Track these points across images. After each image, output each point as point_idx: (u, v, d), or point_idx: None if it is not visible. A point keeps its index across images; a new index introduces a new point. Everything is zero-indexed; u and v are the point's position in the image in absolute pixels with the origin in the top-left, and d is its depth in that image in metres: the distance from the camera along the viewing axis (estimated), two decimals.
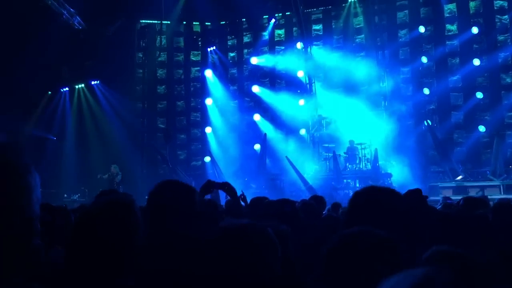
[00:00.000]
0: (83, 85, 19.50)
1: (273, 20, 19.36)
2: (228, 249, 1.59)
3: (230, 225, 1.68)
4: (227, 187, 3.60)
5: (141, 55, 20.33)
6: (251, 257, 1.59)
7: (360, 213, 2.02)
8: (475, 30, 16.39)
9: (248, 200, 4.94)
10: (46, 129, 18.44)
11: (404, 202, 2.17)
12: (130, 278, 1.71)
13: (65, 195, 16.44)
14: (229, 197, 4.23)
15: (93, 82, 19.29)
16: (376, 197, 2.09)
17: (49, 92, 19.09)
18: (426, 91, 16.84)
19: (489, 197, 9.10)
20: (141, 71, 20.34)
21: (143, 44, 20.21)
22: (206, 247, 1.62)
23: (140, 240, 1.75)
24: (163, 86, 20.57)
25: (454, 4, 17.21)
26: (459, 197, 7.43)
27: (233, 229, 1.65)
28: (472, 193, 12.10)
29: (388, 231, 1.50)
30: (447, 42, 17.12)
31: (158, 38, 20.17)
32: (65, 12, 16.72)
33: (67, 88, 19.43)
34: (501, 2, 16.52)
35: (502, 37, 16.53)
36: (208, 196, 4.25)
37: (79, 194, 16.46)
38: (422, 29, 17.20)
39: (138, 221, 1.76)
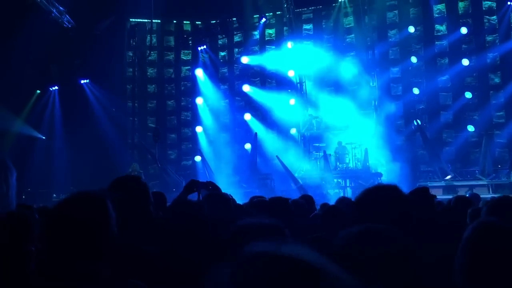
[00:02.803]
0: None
1: (264, 19, 19.34)
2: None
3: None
4: (211, 187, 3.54)
5: (131, 54, 20.20)
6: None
7: (366, 210, 2.02)
8: (464, 30, 16.51)
9: (244, 200, 4.90)
10: (35, 128, 18.24)
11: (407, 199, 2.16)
12: (106, 265, 1.77)
13: (54, 195, 16.25)
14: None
15: (82, 81, 19.12)
16: (382, 195, 2.08)
17: (38, 91, 18.88)
18: (416, 91, 16.93)
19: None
20: (131, 70, 20.23)
21: (133, 43, 20.07)
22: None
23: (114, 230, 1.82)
24: (154, 85, 20.47)
25: (443, 4, 17.32)
26: (448, 197, 7.50)
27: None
28: (461, 192, 12.16)
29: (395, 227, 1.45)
30: (436, 42, 17.23)
31: (148, 37, 20.04)
32: (54, 10, 16.54)
33: (56, 87, 19.24)
34: (490, 2, 16.66)
35: (490, 38, 16.67)
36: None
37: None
38: (411, 29, 17.27)
39: (109, 213, 1.83)
